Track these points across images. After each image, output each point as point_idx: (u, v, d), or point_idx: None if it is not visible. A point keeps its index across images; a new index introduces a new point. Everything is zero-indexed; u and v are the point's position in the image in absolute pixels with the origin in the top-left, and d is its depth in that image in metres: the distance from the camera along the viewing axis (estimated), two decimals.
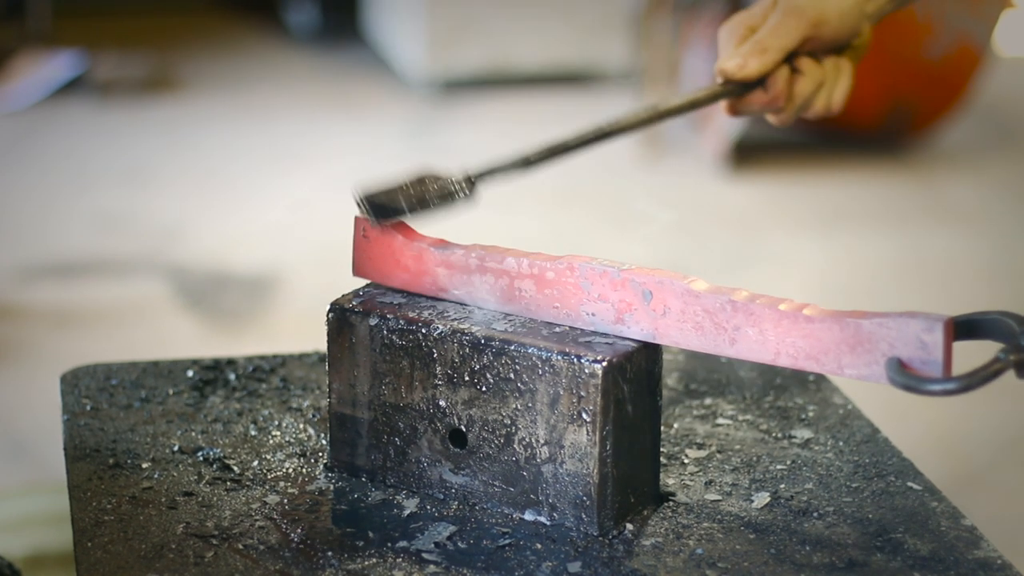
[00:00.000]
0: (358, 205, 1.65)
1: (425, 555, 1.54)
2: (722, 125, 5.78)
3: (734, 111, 1.92)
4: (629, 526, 1.58)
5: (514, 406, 1.58)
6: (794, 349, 1.52)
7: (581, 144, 1.73)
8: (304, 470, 1.70)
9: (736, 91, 1.87)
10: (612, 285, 1.59)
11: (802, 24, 1.87)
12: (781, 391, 1.87)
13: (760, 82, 1.88)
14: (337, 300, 1.67)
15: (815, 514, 1.61)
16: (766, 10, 1.90)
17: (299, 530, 1.58)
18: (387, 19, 7.11)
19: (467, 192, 1.65)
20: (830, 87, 1.93)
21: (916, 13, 5.76)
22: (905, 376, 1.46)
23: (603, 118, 1.77)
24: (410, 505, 1.63)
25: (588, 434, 1.55)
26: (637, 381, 1.58)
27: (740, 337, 1.54)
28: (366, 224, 1.69)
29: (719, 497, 1.64)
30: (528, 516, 1.60)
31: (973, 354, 1.56)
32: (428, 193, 1.64)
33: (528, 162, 1.69)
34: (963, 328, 1.50)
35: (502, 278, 1.63)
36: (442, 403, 1.62)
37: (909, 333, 1.46)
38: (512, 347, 1.57)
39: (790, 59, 1.89)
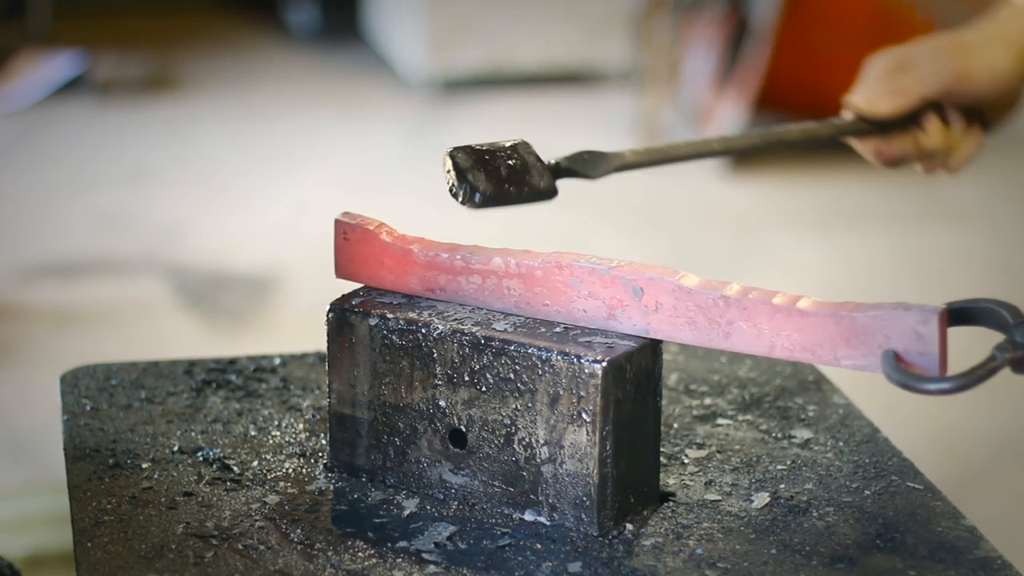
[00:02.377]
0: (449, 167, 1.58)
1: (425, 555, 1.54)
2: (722, 124, 5.78)
3: (882, 156, 1.85)
4: (629, 526, 1.58)
5: (514, 406, 1.58)
6: (789, 342, 1.52)
7: (686, 157, 1.73)
8: (304, 470, 1.69)
9: (864, 130, 1.84)
10: (602, 282, 1.58)
11: (942, 73, 1.82)
12: (781, 391, 1.87)
13: (894, 125, 1.84)
14: (337, 300, 1.67)
15: (815, 514, 1.61)
16: (917, 52, 1.84)
17: (299, 530, 1.58)
18: (387, 19, 7.11)
19: (548, 181, 1.62)
20: (949, 154, 1.86)
21: (916, 13, 5.76)
22: (902, 374, 1.45)
23: (706, 135, 1.72)
24: (410, 505, 1.63)
25: (588, 434, 1.55)
26: (637, 381, 1.57)
27: (734, 331, 1.54)
28: (347, 227, 1.69)
29: (719, 497, 1.64)
30: (528, 516, 1.60)
31: (968, 346, 1.56)
32: (510, 167, 1.59)
33: (624, 164, 1.67)
34: (955, 316, 1.50)
35: (489, 278, 1.63)
36: (442, 403, 1.62)
37: (904, 326, 1.46)
38: (512, 347, 1.57)
39: (939, 109, 1.84)
